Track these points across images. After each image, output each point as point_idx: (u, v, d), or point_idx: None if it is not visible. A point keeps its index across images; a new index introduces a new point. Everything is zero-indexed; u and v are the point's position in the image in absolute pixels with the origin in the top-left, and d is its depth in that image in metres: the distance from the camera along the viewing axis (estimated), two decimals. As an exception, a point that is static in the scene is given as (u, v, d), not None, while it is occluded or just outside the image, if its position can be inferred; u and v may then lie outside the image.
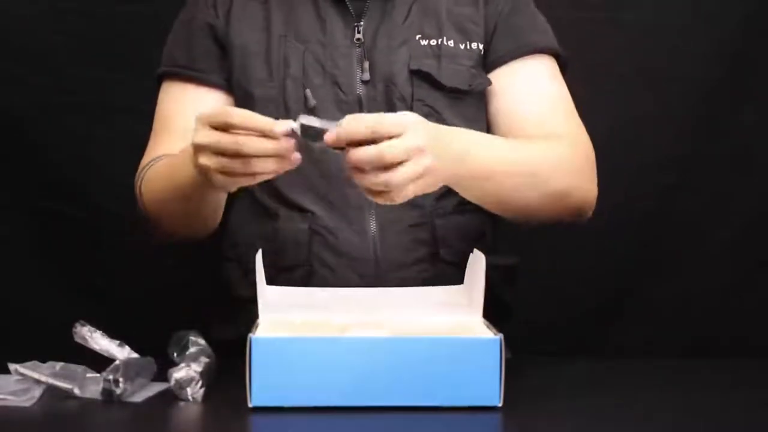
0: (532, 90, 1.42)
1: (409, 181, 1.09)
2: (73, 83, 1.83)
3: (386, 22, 1.38)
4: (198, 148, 1.11)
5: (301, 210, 1.35)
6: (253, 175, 1.11)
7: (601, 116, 1.88)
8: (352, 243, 1.34)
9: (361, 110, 1.36)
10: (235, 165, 1.09)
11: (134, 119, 1.82)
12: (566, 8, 1.81)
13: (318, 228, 1.35)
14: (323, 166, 1.35)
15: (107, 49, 1.82)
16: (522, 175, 1.29)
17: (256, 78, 1.38)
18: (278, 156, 1.08)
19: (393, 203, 1.11)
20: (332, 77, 1.37)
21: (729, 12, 1.88)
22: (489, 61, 1.41)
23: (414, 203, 1.36)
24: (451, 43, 1.39)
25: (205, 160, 1.11)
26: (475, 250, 1.21)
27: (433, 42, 1.38)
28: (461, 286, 1.23)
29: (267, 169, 1.10)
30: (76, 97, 1.83)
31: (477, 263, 1.18)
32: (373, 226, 1.35)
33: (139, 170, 1.41)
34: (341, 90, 1.36)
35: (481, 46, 1.40)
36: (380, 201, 1.11)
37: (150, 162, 1.39)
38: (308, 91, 1.35)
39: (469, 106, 1.40)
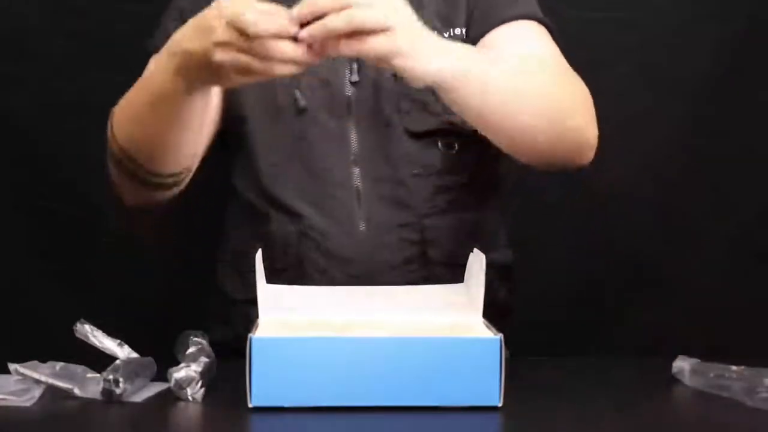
0: (519, 47, 1.34)
1: (372, 21, 1.07)
2: (73, 83, 1.83)
3: None
4: (217, 44, 1.08)
5: (290, 212, 1.35)
6: (272, 74, 1.09)
7: (600, 115, 1.89)
8: (342, 244, 1.34)
9: (350, 112, 1.35)
10: (256, 64, 1.07)
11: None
12: (566, 7, 1.81)
13: (307, 230, 1.35)
14: (312, 167, 1.35)
15: (107, 49, 1.82)
16: (528, 96, 1.24)
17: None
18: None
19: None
20: (322, 78, 1.35)
21: (730, 11, 1.89)
22: (470, 39, 1.36)
23: (404, 203, 1.35)
24: (434, 33, 1.36)
25: (223, 56, 1.08)
26: (475, 250, 1.21)
27: None
28: (461, 285, 1.23)
29: (286, 71, 1.08)
30: (76, 97, 1.83)
31: (477, 263, 1.18)
32: (362, 226, 1.35)
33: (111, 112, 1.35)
34: (332, 93, 1.35)
35: (463, 31, 1.38)
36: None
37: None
38: (298, 92, 1.34)
39: None
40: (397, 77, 1.33)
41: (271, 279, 1.20)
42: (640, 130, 1.90)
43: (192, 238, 1.84)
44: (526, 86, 1.24)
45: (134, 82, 1.81)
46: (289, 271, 1.34)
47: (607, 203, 1.93)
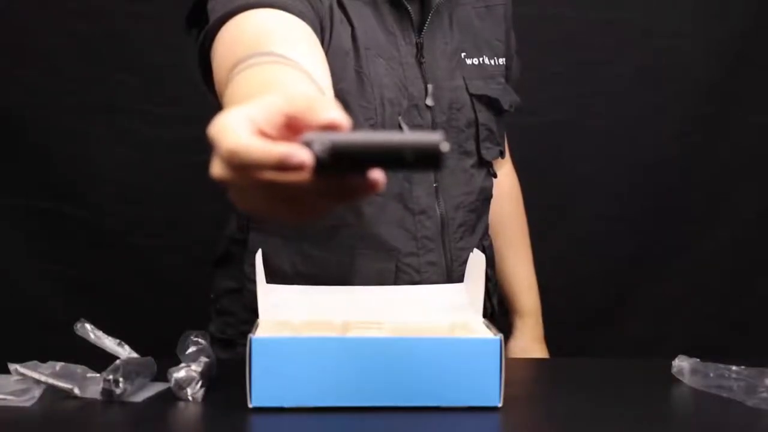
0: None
1: None
2: (73, 83, 1.83)
3: (437, 36, 1.29)
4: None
5: (384, 247, 1.28)
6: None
7: (601, 116, 1.90)
8: (430, 277, 1.29)
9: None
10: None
11: (134, 119, 1.83)
12: (566, 7, 1.81)
13: (402, 265, 1.28)
14: (407, 202, 1.28)
15: (107, 49, 1.83)
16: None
17: (348, 91, 1.22)
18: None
19: None
20: (411, 99, 1.26)
21: (729, 12, 1.89)
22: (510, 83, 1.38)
23: (473, 228, 1.34)
24: (485, 59, 1.32)
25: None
26: (475, 250, 1.21)
27: (476, 61, 1.31)
28: (461, 285, 1.23)
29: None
30: (76, 97, 1.83)
31: (477, 263, 1.18)
32: (443, 253, 1.30)
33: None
34: (419, 115, 1.27)
35: (503, 61, 1.35)
36: None
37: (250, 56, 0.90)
38: (400, 119, 1.25)
39: (503, 123, 1.37)
40: (474, 106, 1.30)
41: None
42: (640, 129, 1.90)
43: (191, 238, 1.84)
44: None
45: (134, 82, 1.82)
46: None
47: (607, 203, 1.94)
